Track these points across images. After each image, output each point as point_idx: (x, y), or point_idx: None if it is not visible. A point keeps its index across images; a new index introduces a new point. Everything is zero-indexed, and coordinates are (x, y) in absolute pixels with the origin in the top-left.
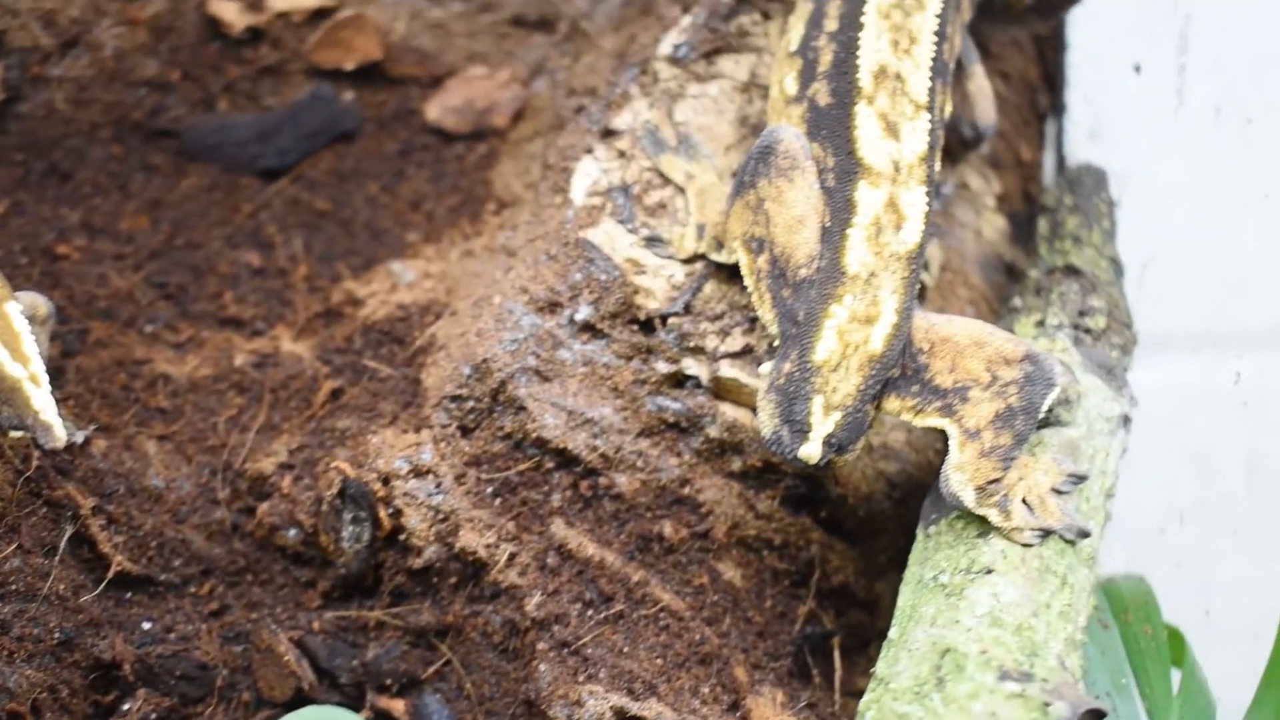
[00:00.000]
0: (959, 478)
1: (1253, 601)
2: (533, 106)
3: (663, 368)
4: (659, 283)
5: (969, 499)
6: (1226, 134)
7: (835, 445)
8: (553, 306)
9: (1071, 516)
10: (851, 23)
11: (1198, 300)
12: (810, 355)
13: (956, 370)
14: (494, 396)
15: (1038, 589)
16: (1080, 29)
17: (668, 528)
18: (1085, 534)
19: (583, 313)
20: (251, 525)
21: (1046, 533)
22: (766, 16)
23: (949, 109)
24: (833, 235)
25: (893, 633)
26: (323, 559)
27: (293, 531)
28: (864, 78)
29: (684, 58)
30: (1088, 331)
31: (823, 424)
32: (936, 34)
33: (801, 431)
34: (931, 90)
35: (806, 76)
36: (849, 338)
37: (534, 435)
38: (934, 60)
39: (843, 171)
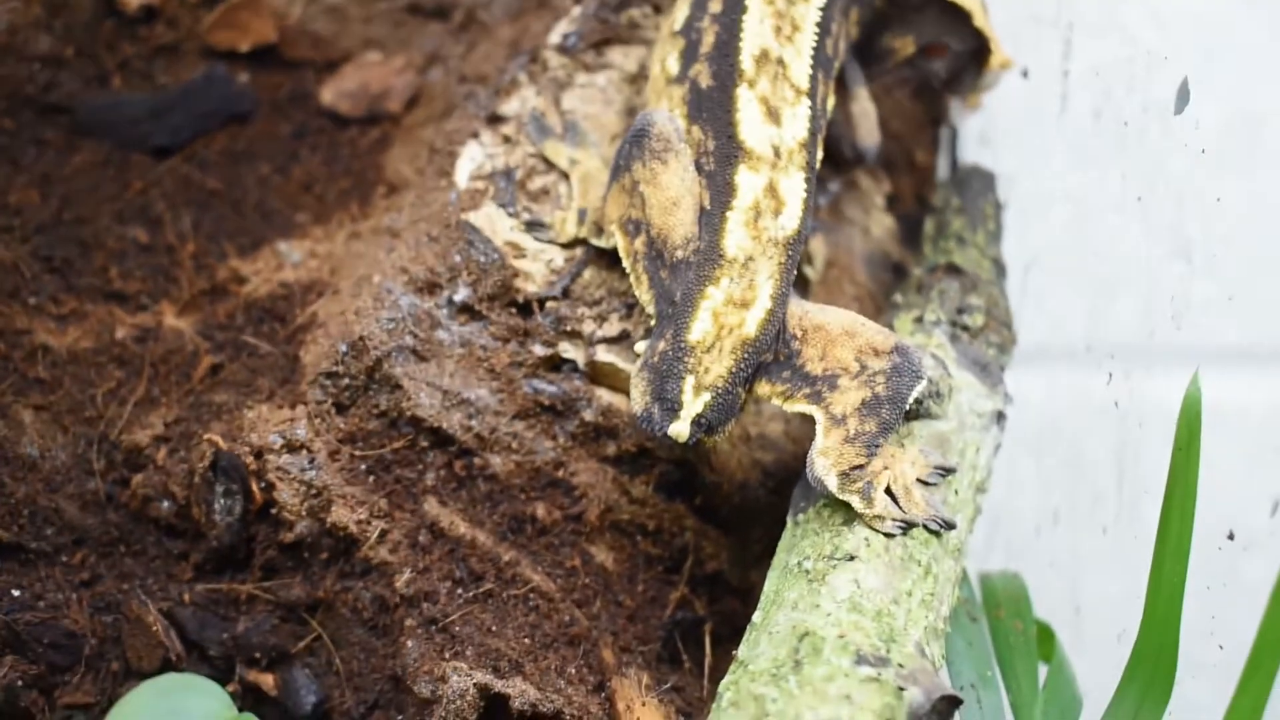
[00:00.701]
0: (823, 463)
1: (1120, 600)
2: (427, 93)
3: (540, 351)
4: (538, 267)
5: (832, 484)
6: (1104, 138)
7: (705, 425)
8: (432, 287)
9: (936, 508)
10: (735, 5)
11: (1075, 304)
12: (684, 335)
13: (827, 358)
14: (370, 374)
15: (900, 577)
16: None
17: (541, 509)
18: (950, 526)
19: (461, 294)
20: (125, 496)
21: (909, 525)
22: (656, 9)
23: (831, 102)
24: (712, 218)
25: (756, 616)
26: (195, 531)
27: (166, 503)
28: (746, 61)
29: (573, 47)
30: (965, 329)
31: (693, 403)
32: (819, 25)
33: (672, 409)
34: (813, 78)
35: (688, 57)
36: (724, 320)
37: (409, 414)
38: (815, 49)
39: (723, 155)
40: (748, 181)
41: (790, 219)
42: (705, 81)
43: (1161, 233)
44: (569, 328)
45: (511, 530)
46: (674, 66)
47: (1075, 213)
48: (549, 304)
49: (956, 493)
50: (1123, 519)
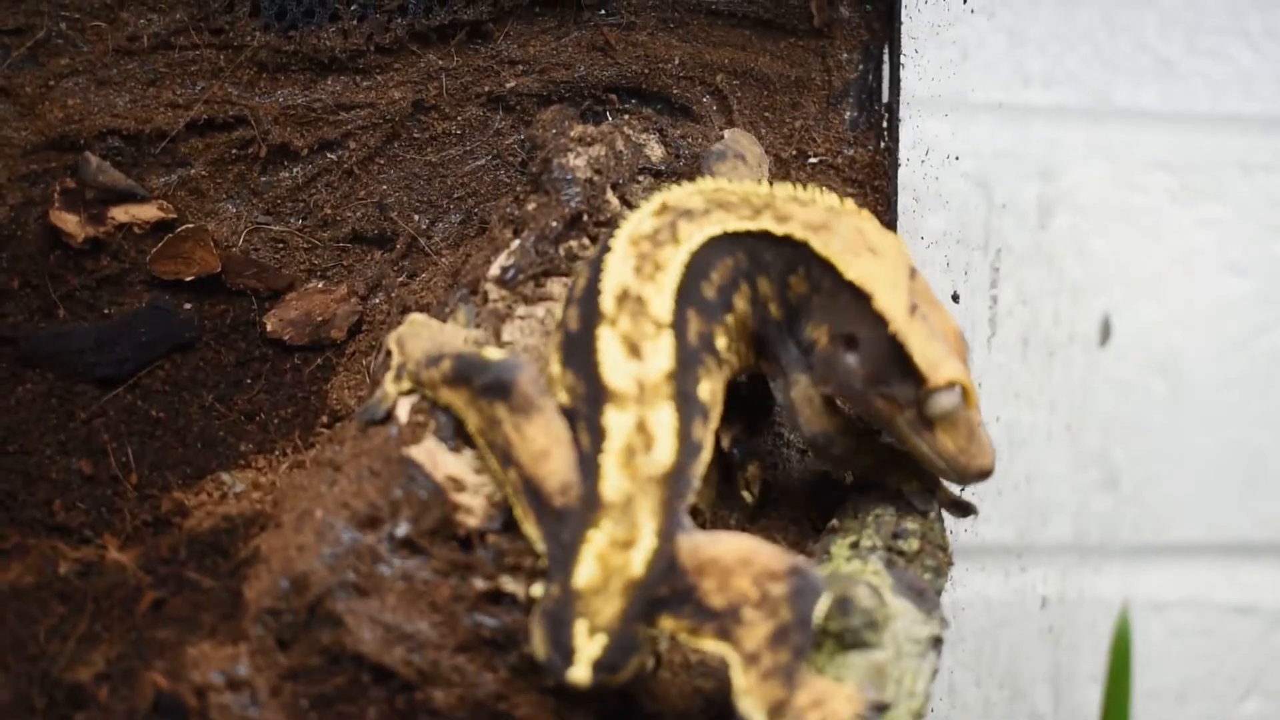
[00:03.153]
0: (747, 703)
1: None
2: (370, 321)
3: (480, 585)
4: (479, 500)
5: None
6: (1032, 365)
7: (605, 667)
8: (373, 522)
9: None
10: (604, 249)
11: (1010, 521)
12: (571, 581)
13: (727, 589)
14: (312, 610)
15: None
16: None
17: None
18: None
19: (402, 529)
20: None
21: None
22: (594, 240)
23: (729, 352)
24: (589, 462)
25: None
26: None
27: None
28: (607, 302)
29: (512, 280)
30: (901, 554)
31: (587, 648)
32: (687, 266)
33: (568, 656)
34: (678, 314)
35: (566, 302)
36: (610, 562)
37: (351, 650)
38: (681, 289)
39: (591, 398)
40: (617, 422)
41: (663, 453)
42: (574, 325)
43: (1091, 459)
44: (509, 561)
45: None
46: (558, 313)
47: (1008, 438)
48: (489, 538)
49: None
50: None
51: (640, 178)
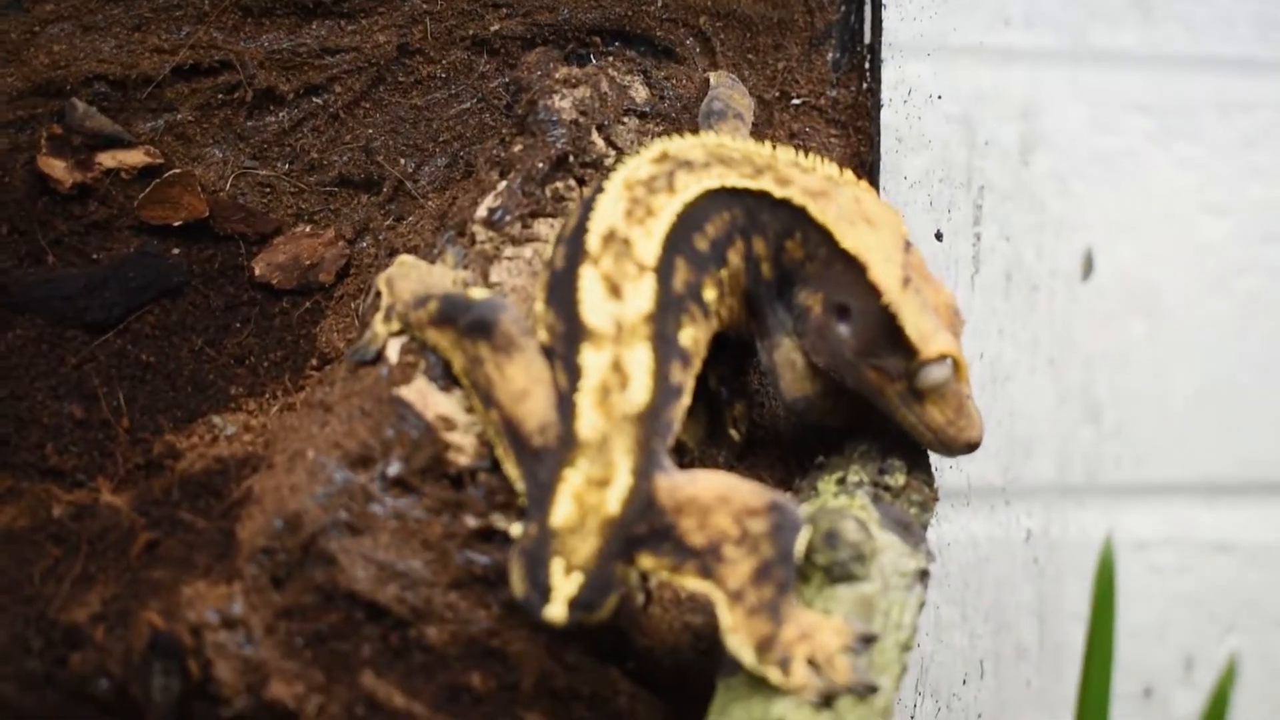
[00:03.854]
0: (735, 640)
1: None
2: (358, 264)
3: (472, 522)
4: (469, 439)
5: (748, 659)
6: (1015, 301)
7: (582, 606)
8: (365, 462)
9: (861, 674)
10: (597, 190)
11: (994, 458)
12: (548, 519)
13: (706, 527)
14: (305, 550)
15: None
16: (889, 197)
17: (477, 679)
18: (873, 689)
19: (394, 468)
20: (64, 675)
21: (832, 693)
22: (581, 182)
23: (719, 304)
24: (566, 401)
25: None
26: (134, 710)
27: (104, 682)
28: (593, 241)
29: (499, 221)
30: (887, 489)
31: (564, 586)
32: (679, 216)
33: (544, 594)
34: (665, 261)
35: (555, 242)
36: (586, 501)
37: (344, 588)
38: (671, 237)
39: (569, 336)
40: (592, 361)
41: (638, 392)
42: (559, 264)
43: (1073, 394)
44: (500, 499)
45: (448, 700)
46: (547, 253)
47: (991, 374)
48: (480, 476)
49: (883, 653)
50: (1045, 672)
51: (625, 119)
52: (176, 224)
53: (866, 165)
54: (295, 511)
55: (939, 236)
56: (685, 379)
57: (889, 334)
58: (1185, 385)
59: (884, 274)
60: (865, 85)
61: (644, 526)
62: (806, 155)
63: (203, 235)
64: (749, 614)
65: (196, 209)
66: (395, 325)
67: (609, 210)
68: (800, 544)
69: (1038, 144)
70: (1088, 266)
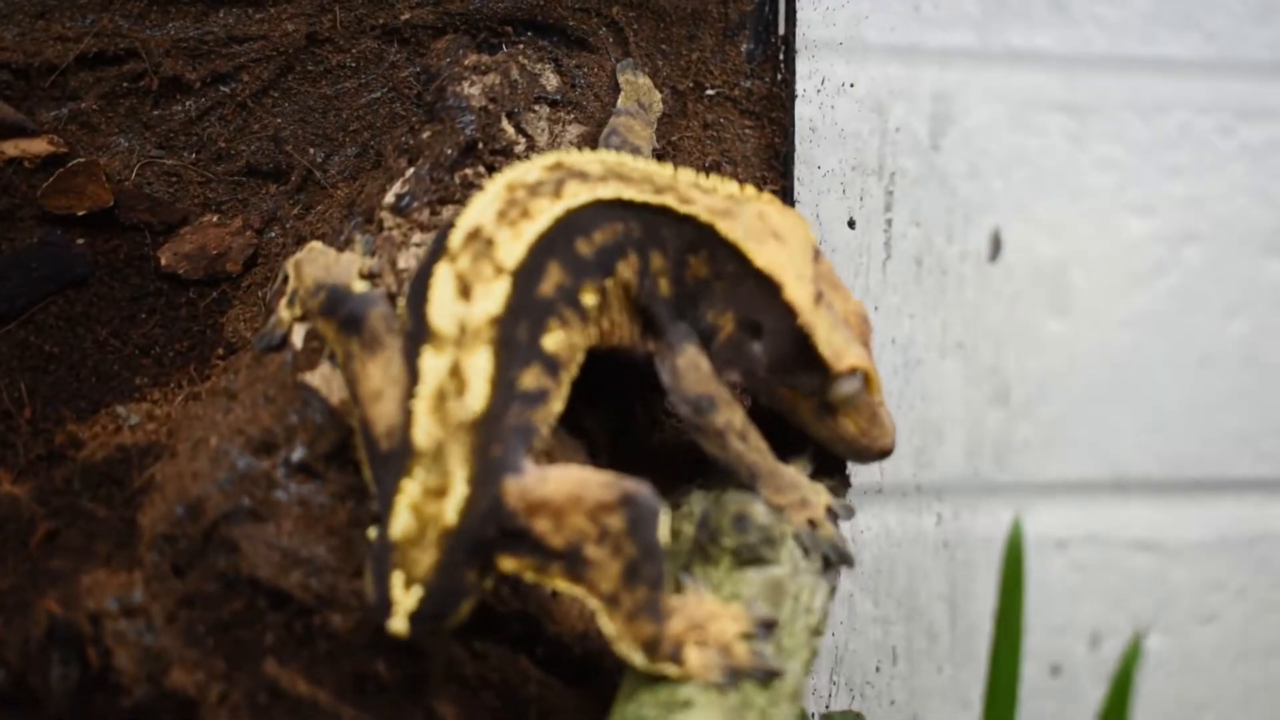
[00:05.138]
0: (622, 647)
1: None
2: (265, 253)
3: (376, 509)
4: None
5: (640, 662)
6: (926, 285)
7: (424, 618)
8: (268, 448)
9: (761, 659)
10: (480, 189)
11: (904, 446)
12: (387, 531)
13: (564, 529)
14: (207, 536)
15: None
16: (804, 187)
17: (382, 667)
18: (774, 674)
19: (298, 454)
20: None
21: (735, 673)
22: (490, 169)
23: (599, 313)
24: (405, 407)
25: None
26: (32, 700)
27: (1, 673)
28: (456, 238)
29: (406, 207)
30: None
31: (404, 600)
32: (558, 218)
33: (385, 608)
34: (529, 262)
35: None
36: (423, 512)
37: (247, 575)
38: (542, 238)
39: (415, 337)
40: (430, 364)
41: (474, 400)
42: (423, 260)
43: (982, 376)
44: None
45: (353, 688)
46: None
47: (903, 358)
48: None
49: (791, 637)
50: (957, 656)
51: (536, 107)
52: (81, 214)
53: (781, 156)
54: (197, 498)
55: (851, 224)
56: (550, 384)
57: (802, 353)
58: (1103, 382)
59: (797, 293)
60: (779, 76)
61: (493, 531)
62: (707, 176)
63: (108, 225)
64: (628, 619)
65: (101, 198)
66: (298, 311)
67: (481, 209)
68: (663, 530)
69: (949, 129)
70: (995, 246)
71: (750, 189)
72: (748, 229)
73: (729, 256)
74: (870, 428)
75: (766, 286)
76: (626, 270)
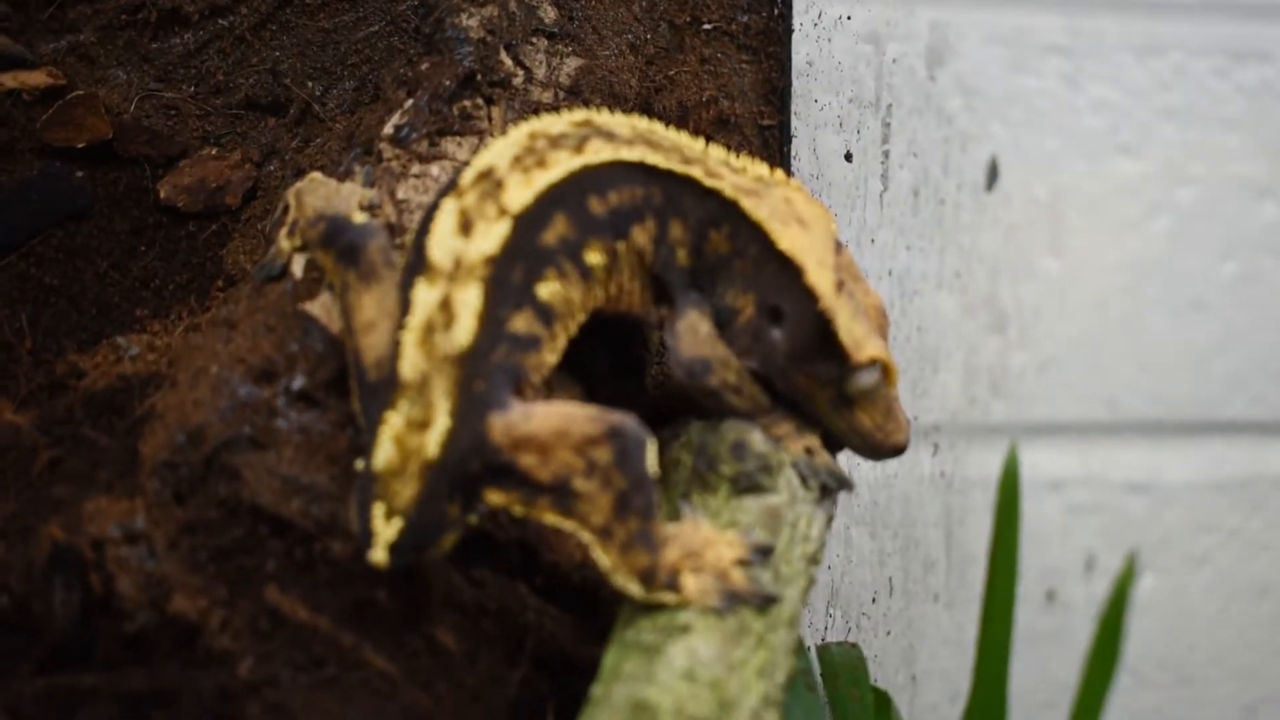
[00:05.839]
0: (618, 579)
1: (953, 664)
2: (264, 186)
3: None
4: None
5: (637, 593)
6: (923, 216)
7: (404, 550)
8: (269, 376)
9: (757, 585)
10: (504, 132)
11: (903, 373)
12: (371, 462)
13: (551, 463)
14: (208, 464)
15: (733, 647)
16: (801, 121)
17: (382, 594)
18: (771, 600)
19: (298, 382)
20: None
21: (733, 596)
22: (489, 101)
23: (605, 273)
24: (395, 339)
25: (596, 690)
26: (35, 626)
27: (4, 598)
28: (468, 175)
29: (405, 139)
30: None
31: (384, 531)
32: (574, 172)
33: (367, 538)
34: (535, 209)
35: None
36: (406, 444)
37: (248, 502)
38: (553, 189)
39: (412, 269)
40: (422, 296)
41: (462, 333)
42: (436, 197)
43: (979, 307)
44: None
45: (353, 614)
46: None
47: (900, 289)
48: None
49: (789, 564)
50: (953, 586)
51: (534, 39)
52: (80, 146)
53: (778, 90)
54: (198, 426)
55: (848, 157)
56: (543, 332)
57: (822, 339)
58: (1097, 323)
59: (819, 279)
60: (776, 11)
61: (477, 466)
62: (737, 156)
63: (107, 158)
64: (622, 550)
65: (100, 131)
66: (298, 241)
67: (499, 152)
68: (650, 459)
69: (947, 60)
70: (992, 175)
71: (779, 173)
72: (773, 210)
73: (752, 237)
74: (885, 422)
75: (788, 270)
76: (642, 236)
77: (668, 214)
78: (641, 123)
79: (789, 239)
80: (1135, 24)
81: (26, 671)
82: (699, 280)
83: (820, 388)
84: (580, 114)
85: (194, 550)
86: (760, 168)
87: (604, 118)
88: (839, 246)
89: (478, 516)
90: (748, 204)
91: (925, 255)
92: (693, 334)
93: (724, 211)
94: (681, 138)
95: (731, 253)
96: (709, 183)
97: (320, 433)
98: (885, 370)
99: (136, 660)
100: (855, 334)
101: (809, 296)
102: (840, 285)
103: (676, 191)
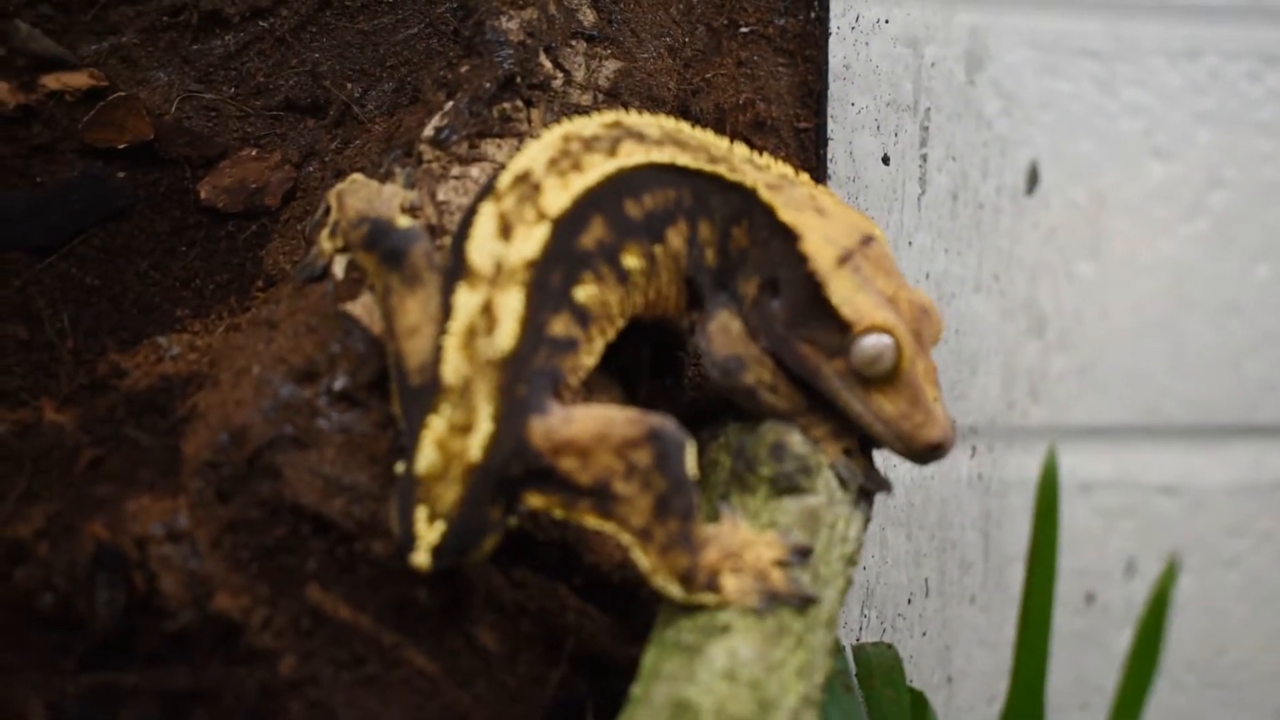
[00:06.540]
0: (658, 580)
1: (990, 665)
2: (304, 187)
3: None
4: None
5: (677, 594)
6: (962, 219)
7: (446, 553)
8: (310, 376)
9: (797, 585)
10: (538, 136)
11: (941, 375)
12: (413, 466)
13: (591, 467)
14: (250, 463)
15: (773, 647)
16: (838, 124)
17: (423, 593)
18: (809, 601)
19: (340, 382)
20: (7, 590)
21: (772, 597)
22: (528, 104)
23: (642, 277)
24: (438, 344)
25: (636, 690)
26: (78, 623)
27: (48, 596)
28: (504, 179)
29: (446, 140)
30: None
31: (427, 534)
32: (610, 175)
33: (409, 541)
34: (572, 213)
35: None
36: (449, 448)
37: (290, 501)
38: (590, 192)
39: (453, 273)
40: (464, 301)
41: (504, 338)
42: (473, 200)
43: (1017, 310)
44: None
45: (394, 613)
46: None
47: (938, 293)
48: None
49: (827, 565)
50: (989, 587)
51: (573, 42)
52: (121, 147)
53: (815, 93)
54: (241, 426)
55: (886, 160)
56: (580, 335)
57: (816, 303)
58: (1132, 327)
59: (815, 245)
60: (814, 14)
61: (519, 469)
62: (762, 155)
63: (148, 158)
64: (662, 552)
65: (141, 132)
66: (340, 242)
67: (534, 155)
68: (690, 462)
69: (985, 65)
70: (1032, 179)
71: (805, 176)
72: (789, 199)
73: (763, 221)
74: (913, 412)
75: (786, 239)
76: (677, 238)
77: (697, 215)
78: (669, 123)
79: (793, 215)
80: (1170, 29)
81: (70, 669)
82: (724, 279)
83: (826, 358)
84: (610, 115)
85: (236, 549)
86: (785, 167)
87: (633, 119)
88: (868, 240)
89: (518, 518)
90: (765, 193)
91: (963, 259)
92: (725, 334)
93: (745, 204)
94: (708, 136)
95: (749, 243)
96: (732, 177)
97: (362, 433)
98: (898, 346)
99: (179, 658)
100: (855, 303)
101: (801, 259)
102: (845, 259)
103: (704, 190)
